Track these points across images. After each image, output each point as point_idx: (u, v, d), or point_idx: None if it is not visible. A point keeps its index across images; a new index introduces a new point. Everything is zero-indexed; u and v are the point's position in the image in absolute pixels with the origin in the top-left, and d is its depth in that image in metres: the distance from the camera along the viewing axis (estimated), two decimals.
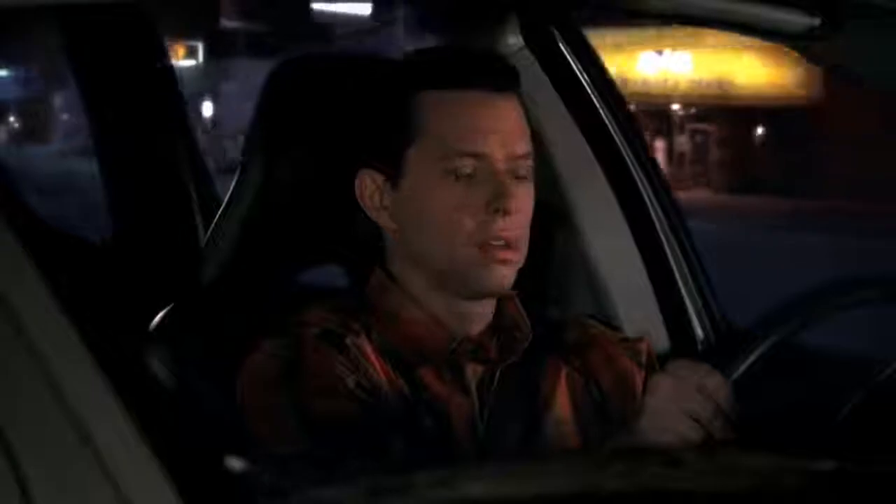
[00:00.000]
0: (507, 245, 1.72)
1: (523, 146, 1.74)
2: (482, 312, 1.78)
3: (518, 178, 1.73)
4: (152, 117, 3.14)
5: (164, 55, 3.21)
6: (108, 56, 3.12)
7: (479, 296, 1.75)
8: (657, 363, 1.87)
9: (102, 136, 3.22)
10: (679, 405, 1.52)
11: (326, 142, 1.94)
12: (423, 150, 1.73)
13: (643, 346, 1.88)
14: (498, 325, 1.79)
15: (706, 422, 1.52)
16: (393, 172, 1.75)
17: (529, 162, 1.75)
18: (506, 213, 1.70)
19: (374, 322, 1.75)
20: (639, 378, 1.84)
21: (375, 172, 1.76)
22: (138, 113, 3.14)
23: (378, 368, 1.71)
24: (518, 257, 1.74)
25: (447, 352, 1.75)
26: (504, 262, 1.72)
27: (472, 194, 1.71)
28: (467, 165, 1.71)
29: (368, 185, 1.77)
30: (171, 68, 3.23)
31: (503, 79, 1.76)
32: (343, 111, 1.91)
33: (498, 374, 1.76)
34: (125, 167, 3.17)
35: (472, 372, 1.75)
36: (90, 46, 3.14)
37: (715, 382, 1.53)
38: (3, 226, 1.00)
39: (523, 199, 1.73)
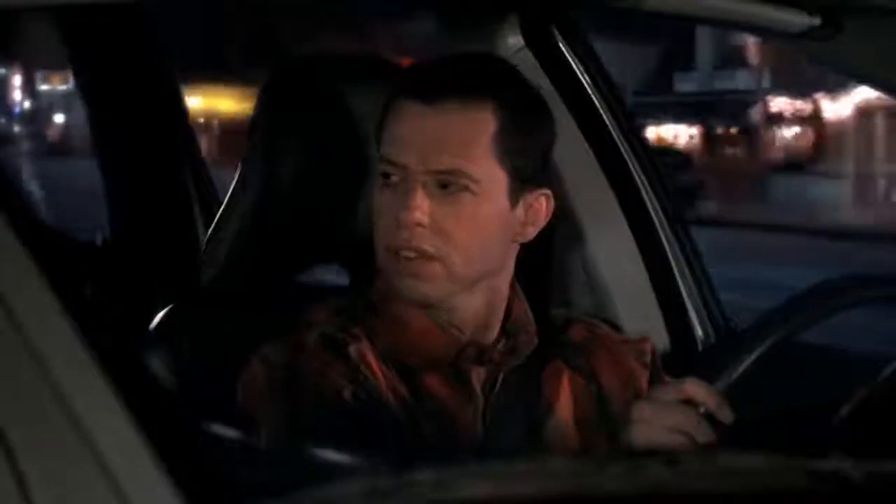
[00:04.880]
0: (425, 258, 1.69)
1: (449, 161, 1.69)
2: (488, 316, 1.77)
3: (448, 192, 1.69)
4: (152, 117, 3.14)
5: (163, 55, 3.20)
6: (109, 56, 3.12)
7: (412, 304, 1.73)
8: (660, 364, 1.87)
9: (102, 135, 3.22)
10: (665, 424, 1.52)
11: (327, 142, 1.94)
12: (380, 155, 1.74)
13: (648, 346, 1.88)
14: (504, 328, 1.78)
15: (696, 435, 1.51)
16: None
17: (461, 177, 1.68)
18: (414, 224, 1.68)
19: (378, 326, 1.74)
20: (644, 378, 1.83)
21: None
22: (138, 112, 3.14)
23: (380, 374, 1.69)
24: (442, 273, 1.70)
25: (452, 357, 1.74)
26: (417, 275, 1.69)
27: (391, 202, 1.70)
28: (391, 173, 1.71)
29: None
30: (171, 68, 3.23)
31: (439, 91, 1.70)
32: (344, 112, 1.91)
33: (501, 377, 1.76)
34: (125, 167, 3.17)
35: (477, 376, 1.75)
36: (90, 47, 3.14)
37: (701, 395, 1.53)
38: (4, 225, 1.00)
39: (446, 214, 1.69)
